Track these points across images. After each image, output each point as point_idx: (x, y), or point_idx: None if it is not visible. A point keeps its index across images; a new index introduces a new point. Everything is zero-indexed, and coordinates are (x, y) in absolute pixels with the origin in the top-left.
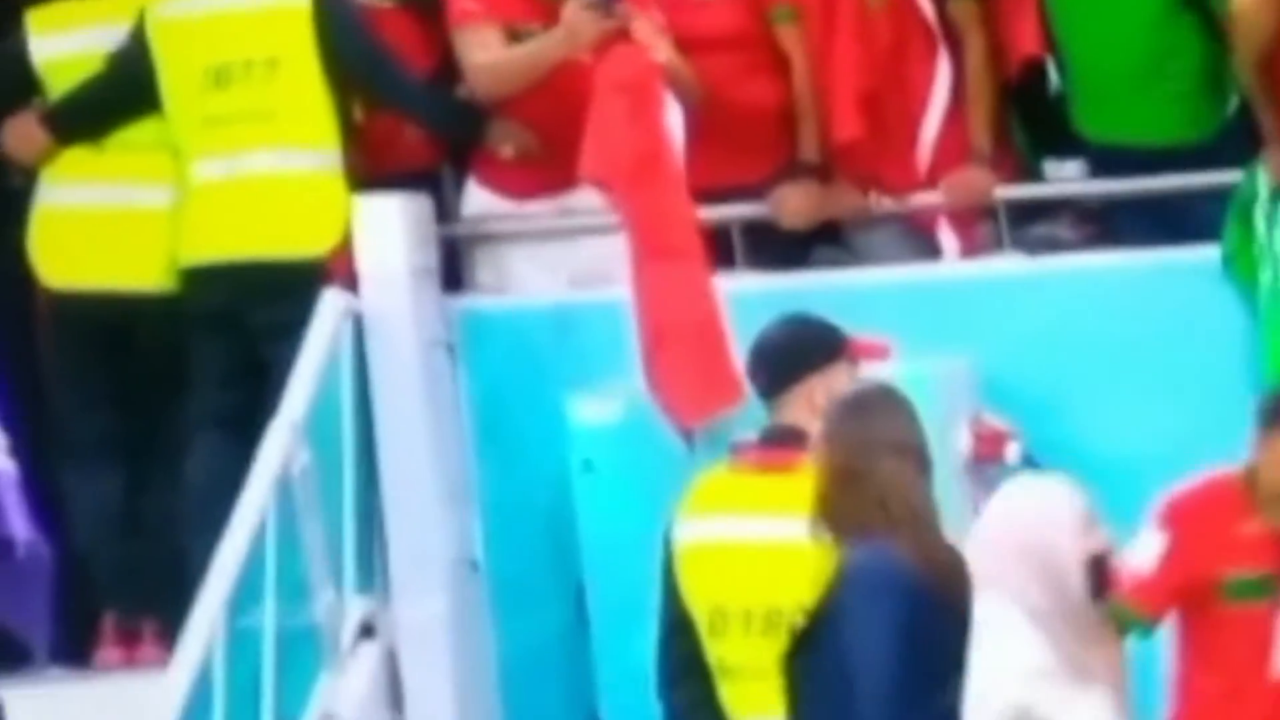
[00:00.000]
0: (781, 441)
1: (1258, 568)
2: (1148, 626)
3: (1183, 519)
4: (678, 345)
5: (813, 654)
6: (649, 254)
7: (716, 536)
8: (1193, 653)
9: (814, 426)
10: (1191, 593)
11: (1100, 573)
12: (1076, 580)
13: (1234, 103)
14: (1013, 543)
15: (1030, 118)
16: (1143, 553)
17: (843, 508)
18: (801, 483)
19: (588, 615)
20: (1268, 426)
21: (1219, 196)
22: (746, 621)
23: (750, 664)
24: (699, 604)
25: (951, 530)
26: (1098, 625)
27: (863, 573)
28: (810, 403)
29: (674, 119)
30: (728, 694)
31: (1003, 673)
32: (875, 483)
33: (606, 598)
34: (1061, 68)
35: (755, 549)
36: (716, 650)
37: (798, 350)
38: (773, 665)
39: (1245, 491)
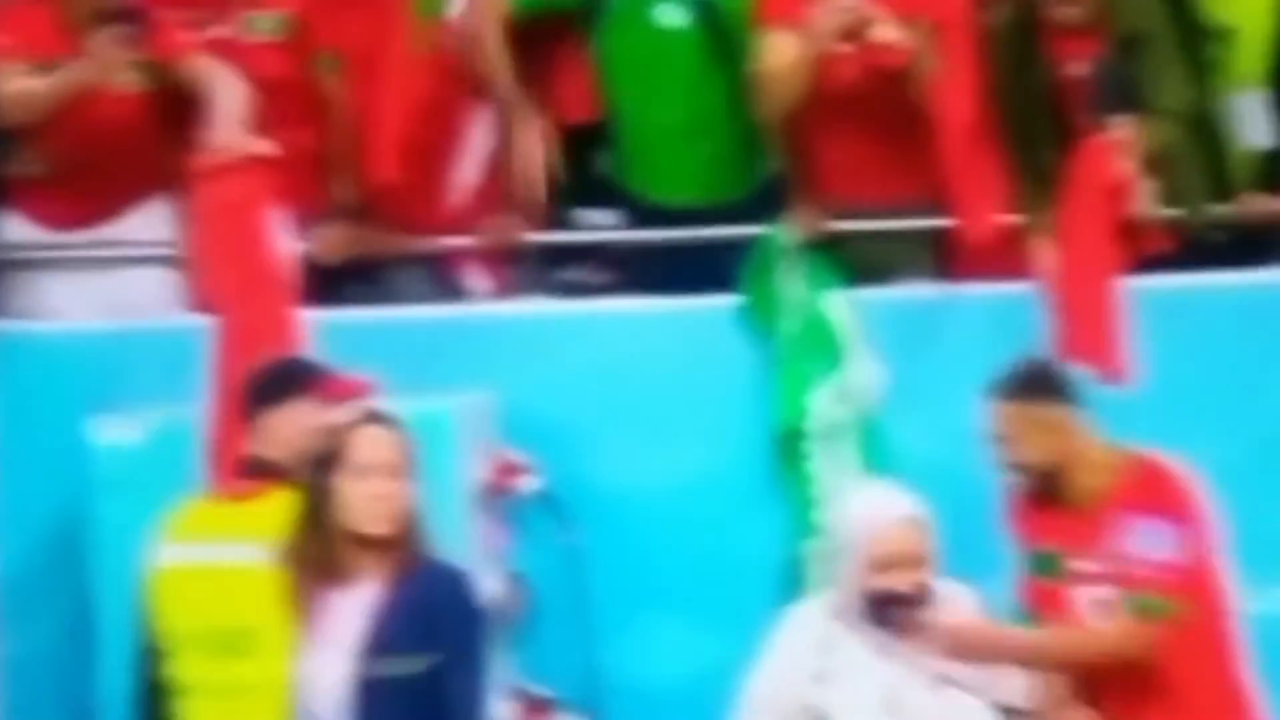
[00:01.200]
0: (249, 471)
1: (1046, 544)
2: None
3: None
4: None
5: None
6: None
7: (183, 561)
8: None
9: (281, 457)
10: None
11: (889, 609)
12: (862, 606)
13: (771, 162)
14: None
15: (566, 167)
16: None
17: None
18: (266, 510)
19: (96, 631)
20: (1007, 399)
21: (747, 249)
22: (205, 642)
23: (207, 683)
24: (165, 625)
25: (463, 561)
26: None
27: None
28: (274, 435)
29: (282, 233)
30: (186, 711)
31: (793, 674)
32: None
33: (116, 616)
34: (610, 125)
35: (215, 572)
36: (177, 670)
37: (257, 386)
38: (230, 684)
39: None
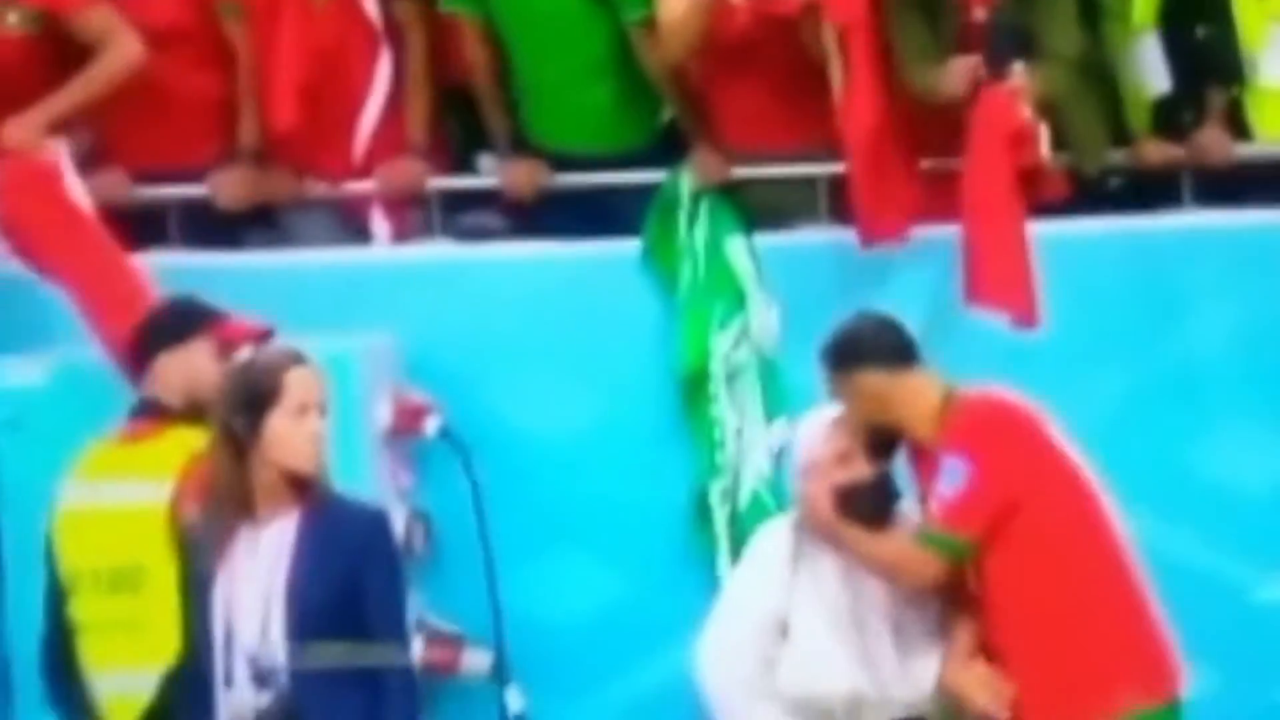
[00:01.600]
0: (142, 413)
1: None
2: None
3: None
4: None
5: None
6: (102, 313)
7: (80, 501)
8: None
9: (176, 398)
10: None
11: (850, 500)
12: (824, 504)
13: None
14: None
15: (470, 113)
16: None
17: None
18: (160, 450)
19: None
20: (825, 367)
21: (647, 195)
22: (97, 580)
23: (101, 620)
24: (64, 564)
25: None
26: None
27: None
28: (170, 377)
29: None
30: (83, 649)
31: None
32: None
33: (20, 557)
34: (506, 74)
35: (109, 512)
36: (73, 608)
37: (148, 328)
38: (121, 620)
39: None
